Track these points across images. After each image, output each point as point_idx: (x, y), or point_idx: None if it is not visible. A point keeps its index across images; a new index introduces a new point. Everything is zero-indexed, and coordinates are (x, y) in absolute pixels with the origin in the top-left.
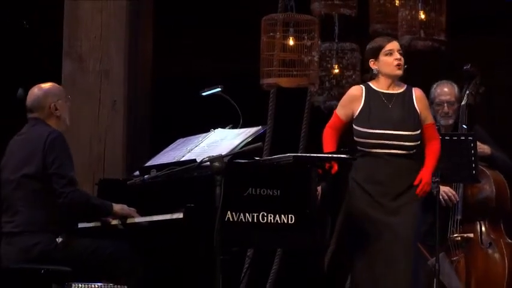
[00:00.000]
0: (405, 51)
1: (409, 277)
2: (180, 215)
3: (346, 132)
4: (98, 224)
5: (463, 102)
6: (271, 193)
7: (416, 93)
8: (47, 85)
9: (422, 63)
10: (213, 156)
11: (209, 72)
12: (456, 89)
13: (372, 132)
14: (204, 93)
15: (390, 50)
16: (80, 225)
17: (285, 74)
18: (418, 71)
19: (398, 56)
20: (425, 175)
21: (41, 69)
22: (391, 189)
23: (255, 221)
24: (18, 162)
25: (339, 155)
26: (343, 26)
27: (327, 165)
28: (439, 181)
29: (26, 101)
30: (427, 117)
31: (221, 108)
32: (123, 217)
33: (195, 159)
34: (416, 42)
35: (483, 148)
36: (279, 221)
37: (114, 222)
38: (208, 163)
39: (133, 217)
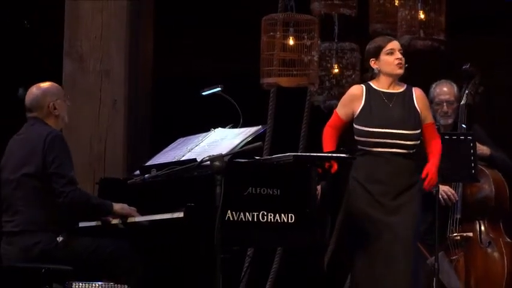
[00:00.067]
0: (405, 51)
1: (409, 277)
2: (181, 214)
3: (346, 131)
4: (99, 223)
5: (462, 102)
6: (271, 192)
7: (417, 92)
8: (45, 84)
9: (421, 63)
10: (213, 155)
11: (209, 72)
12: (455, 88)
13: (373, 131)
14: (204, 93)
15: (391, 49)
16: (81, 224)
17: (285, 73)
18: (418, 70)
19: (399, 55)
20: (431, 169)
21: (41, 69)
22: (391, 188)
23: (255, 220)
24: (17, 162)
25: (338, 155)
26: (343, 25)
27: (327, 164)
28: (438, 180)
29: None
30: (427, 117)
31: (221, 108)
32: (123, 216)
33: (195, 159)
34: (416, 42)
35: (482, 149)
36: (279, 220)
37: (115, 221)
38: (208, 162)
39: (133, 216)
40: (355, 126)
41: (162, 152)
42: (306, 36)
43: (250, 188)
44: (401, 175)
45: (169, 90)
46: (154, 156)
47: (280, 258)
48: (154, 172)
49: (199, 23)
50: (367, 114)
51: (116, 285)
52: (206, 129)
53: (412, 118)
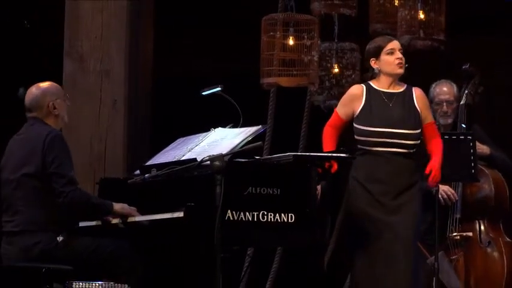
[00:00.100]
0: (405, 51)
1: (409, 277)
2: (181, 214)
3: (345, 130)
4: (99, 222)
5: (462, 102)
6: (271, 192)
7: (417, 92)
8: (45, 84)
9: (421, 63)
10: (213, 155)
11: (209, 72)
12: (455, 88)
13: (373, 131)
14: (204, 93)
15: (391, 49)
16: (81, 224)
17: (285, 73)
18: (418, 70)
19: (399, 55)
20: (434, 165)
21: (41, 69)
22: (391, 188)
23: (255, 219)
24: (17, 162)
25: (338, 154)
26: (342, 25)
27: (327, 164)
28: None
29: None
30: (428, 117)
31: (221, 108)
32: (123, 216)
33: (195, 159)
34: (416, 42)
35: (482, 148)
36: (279, 220)
37: (115, 221)
38: (208, 162)
39: (133, 216)
40: (355, 125)
41: (162, 152)
42: (306, 36)
43: (250, 188)
44: (402, 175)
45: (169, 90)
46: (154, 156)
47: (280, 258)
48: (154, 172)
49: (199, 23)
50: (368, 114)
51: (116, 284)
52: (206, 129)
53: (412, 118)
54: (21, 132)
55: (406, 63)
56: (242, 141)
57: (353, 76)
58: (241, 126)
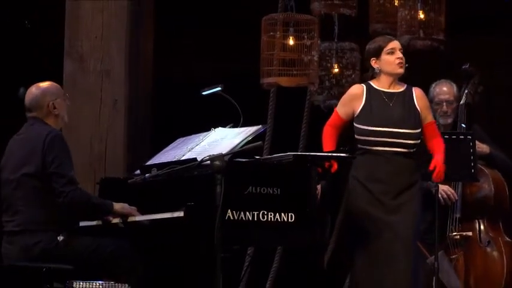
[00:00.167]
0: (404, 51)
1: (409, 276)
2: (181, 214)
3: (345, 129)
4: (99, 222)
5: (461, 102)
6: (271, 192)
7: (417, 92)
8: (44, 84)
9: (421, 63)
10: (213, 155)
11: (209, 72)
12: (455, 88)
13: (373, 130)
14: (204, 93)
15: (392, 48)
16: (81, 223)
17: (285, 73)
18: (417, 70)
19: (400, 54)
20: (438, 161)
21: (41, 69)
22: (391, 188)
23: (255, 219)
24: (17, 162)
25: (338, 154)
26: (342, 25)
27: (327, 164)
28: None
29: None
30: (428, 116)
31: (221, 108)
32: (124, 216)
33: (195, 158)
34: (416, 42)
35: (482, 147)
36: (279, 220)
37: (115, 220)
38: (208, 162)
39: (134, 216)
40: (355, 125)
41: (162, 152)
42: (306, 36)
43: (250, 188)
44: (402, 174)
45: (169, 90)
46: (154, 156)
47: (280, 258)
48: (154, 171)
49: (199, 23)
50: (368, 114)
51: (116, 284)
52: (206, 128)
53: (412, 117)
54: (21, 132)
55: (406, 63)
56: (242, 141)
57: (353, 76)
58: (241, 126)
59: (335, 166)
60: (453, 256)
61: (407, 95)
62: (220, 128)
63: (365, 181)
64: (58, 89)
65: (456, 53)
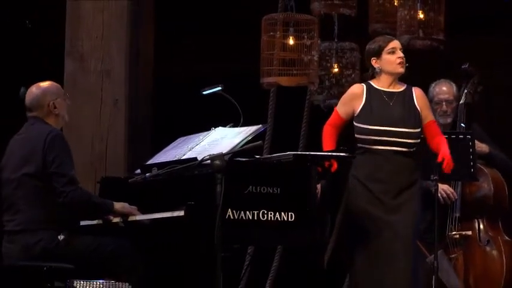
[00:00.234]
0: (404, 51)
1: (409, 275)
2: (181, 213)
3: (345, 128)
4: (100, 221)
5: (461, 101)
6: (271, 191)
7: (417, 92)
8: (45, 84)
9: (421, 63)
10: (213, 154)
11: (209, 72)
12: (454, 87)
13: (373, 129)
14: (204, 92)
15: (393, 48)
16: (82, 222)
17: (285, 73)
18: (417, 70)
19: (401, 54)
20: (445, 153)
21: (41, 69)
22: (391, 187)
23: (256, 218)
24: (18, 162)
25: (338, 153)
26: (342, 25)
27: (327, 163)
28: (437, 179)
29: None
30: (428, 116)
31: (222, 107)
32: (124, 215)
33: (195, 158)
34: (415, 42)
35: (481, 147)
36: (279, 219)
37: (116, 220)
38: (209, 161)
39: (134, 215)
40: (355, 124)
41: (163, 151)
42: (306, 36)
43: (250, 187)
44: (402, 174)
45: (169, 90)
46: (155, 155)
47: (280, 257)
48: (155, 171)
49: (199, 23)
50: (368, 113)
51: (117, 283)
52: (207, 128)
53: (412, 117)
54: (21, 131)
55: (406, 62)
56: (242, 140)
57: (353, 76)
58: (241, 126)
59: (335, 165)
60: (453, 255)
61: (407, 95)
62: (220, 127)
63: (365, 180)
64: (58, 88)
65: (456, 53)
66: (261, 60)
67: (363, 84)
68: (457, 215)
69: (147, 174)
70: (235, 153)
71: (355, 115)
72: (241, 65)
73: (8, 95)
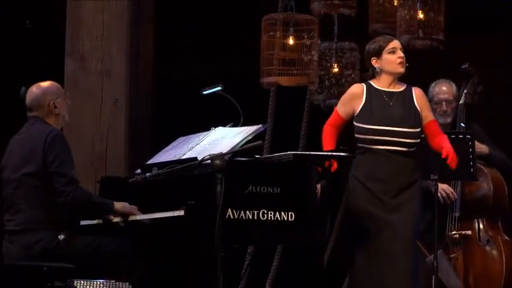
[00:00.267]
0: (404, 51)
1: (409, 275)
2: (181, 213)
3: (345, 128)
4: (100, 221)
5: (461, 101)
6: (271, 191)
7: (416, 92)
8: (45, 84)
9: (420, 63)
10: (213, 154)
11: (209, 72)
12: (454, 87)
13: (373, 128)
14: (204, 92)
15: (393, 48)
16: (83, 222)
17: (285, 73)
18: (417, 70)
19: (401, 54)
20: (448, 148)
21: (42, 69)
22: (391, 187)
23: (256, 218)
24: (18, 161)
25: (338, 153)
26: (342, 25)
27: (327, 163)
28: (437, 179)
29: None
30: (428, 115)
31: (222, 107)
32: (124, 215)
33: (196, 157)
34: (415, 42)
35: (481, 148)
36: (279, 219)
37: (116, 219)
38: (209, 161)
39: (134, 215)
40: (355, 124)
41: (163, 151)
42: (305, 36)
43: (250, 187)
44: (402, 173)
45: (169, 90)
46: (155, 155)
47: (280, 256)
48: (155, 171)
49: (199, 23)
50: (368, 113)
51: (117, 283)
52: (207, 128)
53: (412, 117)
54: (22, 131)
55: (406, 62)
56: (242, 140)
57: (352, 75)
58: (241, 126)
59: (335, 165)
60: (452, 255)
61: (407, 95)
62: (220, 127)
63: (365, 180)
64: (59, 88)
65: (455, 53)
66: (261, 60)
67: (362, 84)
68: (457, 214)
69: (147, 174)
70: (235, 153)
71: (355, 115)
72: (241, 65)
73: (9, 95)
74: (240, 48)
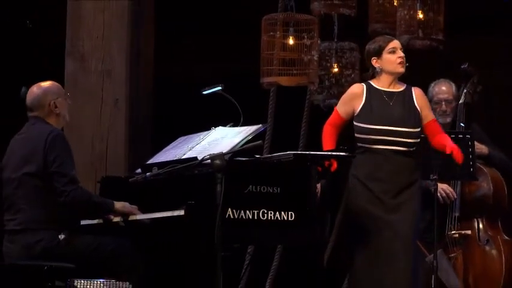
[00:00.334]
0: (404, 51)
1: (409, 275)
2: (182, 212)
3: (345, 128)
4: (100, 221)
5: (460, 101)
6: (271, 190)
7: (416, 92)
8: (46, 84)
9: (420, 63)
10: (213, 154)
11: (210, 72)
12: (454, 87)
13: (373, 128)
14: (204, 92)
15: (393, 48)
16: (83, 222)
17: (285, 72)
18: (416, 70)
19: (401, 53)
20: (452, 145)
21: (42, 69)
22: (391, 187)
23: (256, 218)
24: (19, 161)
25: (338, 153)
26: (342, 25)
27: (327, 163)
28: (436, 178)
29: None
30: (428, 115)
31: (222, 107)
32: (124, 214)
33: (196, 157)
34: (415, 42)
35: (481, 148)
36: (279, 218)
37: (116, 219)
38: (209, 161)
39: (135, 214)
40: (355, 123)
41: (163, 151)
42: (305, 36)
43: (250, 186)
44: (402, 173)
45: (169, 90)
46: (155, 155)
47: (280, 256)
48: (155, 170)
49: (199, 23)
50: (368, 112)
51: (117, 282)
52: (207, 128)
53: (412, 116)
54: (22, 131)
55: (406, 62)
56: (242, 140)
57: (352, 75)
58: (241, 125)
59: (335, 165)
60: (452, 255)
61: (407, 95)
62: (220, 127)
63: (365, 180)
64: (59, 88)
65: (455, 53)
66: (261, 60)
67: (362, 84)
68: (457, 214)
69: (147, 173)
70: (235, 152)
71: (355, 115)
72: (241, 65)
73: (9, 95)
74: (240, 48)
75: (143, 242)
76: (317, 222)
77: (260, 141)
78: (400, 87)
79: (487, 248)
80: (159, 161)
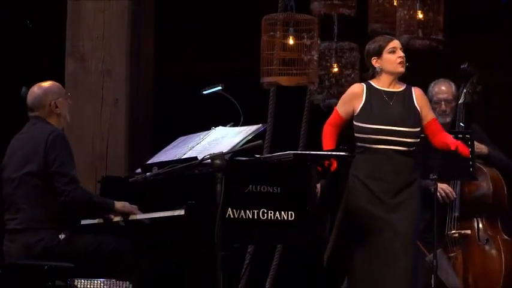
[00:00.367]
0: (403, 51)
1: (409, 275)
2: (182, 212)
3: (345, 128)
4: (101, 221)
5: (460, 101)
6: (271, 190)
7: (416, 92)
8: (46, 84)
9: (420, 63)
10: (214, 153)
11: (210, 72)
12: (454, 87)
13: (373, 128)
14: (204, 92)
15: (393, 47)
16: (83, 222)
17: (285, 72)
18: (416, 70)
19: (401, 53)
20: (455, 141)
21: (42, 69)
22: (391, 186)
23: (256, 217)
24: (20, 161)
25: (338, 153)
26: (342, 25)
27: (327, 162)
28: (436, 178)
29: None
30: (428, 115)
31: (222, 107)
32: (125, 214)
33: (196, 157)
34: (414, 42)
35: (480, 148)
36: (279, 218)
37: (117, 219)
38: (209, 161)
39: (135, 214)
40: (355, 123)
41: (163, 151)
42: (305, 36)
43: (250, 186)
44: (402, 173)
45: (170, 90)
46: (155, 155)
47: (280, 256)
48: (155, 170)
49: (199, 23)
50: (368, 112)
51: (117, 282)
52: (207, 127)
53: (412, 116)
54: (23, 131)
55: (406, 61)
56: (242, 139)
57: (352, 75)
58: (241, 125)
59: (335, 165)
60: (452, 254)
61: (407, 95)
62: (220, 127)
63: (365, 179)
64: (60, 88)
65: (455, 53)
66: (261, 60)
67: (362, 83)
68: (456, 214)
69: (147, 173)
70: (235, 152)
71: (355, 114)
72: (241, 65)
73: (9, 95)
74: (240, 48)
75: (143, 241)
76: (317, 222)
77: (260, 141)
78: (400, 87)
79: (487, 247)
80: (159, 160)
